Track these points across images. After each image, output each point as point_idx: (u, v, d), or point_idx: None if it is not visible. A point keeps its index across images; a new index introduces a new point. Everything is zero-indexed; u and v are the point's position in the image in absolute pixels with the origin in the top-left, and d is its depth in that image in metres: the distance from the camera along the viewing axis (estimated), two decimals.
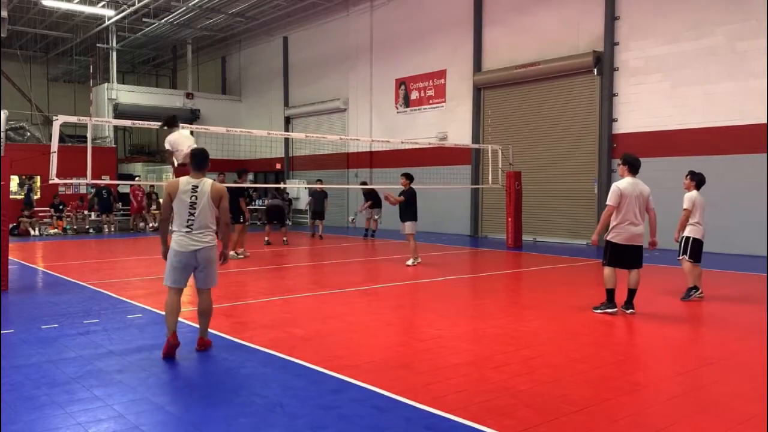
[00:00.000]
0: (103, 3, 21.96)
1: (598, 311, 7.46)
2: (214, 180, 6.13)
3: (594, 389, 4.64)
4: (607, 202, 7.35)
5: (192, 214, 5.41)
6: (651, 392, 4.58)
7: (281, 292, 8.92)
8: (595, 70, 15.69)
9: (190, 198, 5.43)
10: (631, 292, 7.45)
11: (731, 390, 4.70)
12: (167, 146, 9.16)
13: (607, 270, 7.45)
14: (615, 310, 7.39)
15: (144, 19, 24.17)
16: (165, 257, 5.55)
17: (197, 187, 5.47)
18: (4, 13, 17.63)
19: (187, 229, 5.40)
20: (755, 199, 12.48)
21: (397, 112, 21.39)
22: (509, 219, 15.85)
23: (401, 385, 4.64)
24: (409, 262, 11.74)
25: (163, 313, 5.64)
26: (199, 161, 5.65)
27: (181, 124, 9.97)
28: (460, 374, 5.01)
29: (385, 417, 4.06)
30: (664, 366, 5.54)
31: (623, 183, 7.37)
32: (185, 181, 5.50)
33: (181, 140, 9.14)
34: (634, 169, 7.44)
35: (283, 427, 3.87)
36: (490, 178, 17.15)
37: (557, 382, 4.78)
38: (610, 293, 7.42)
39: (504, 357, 5.52)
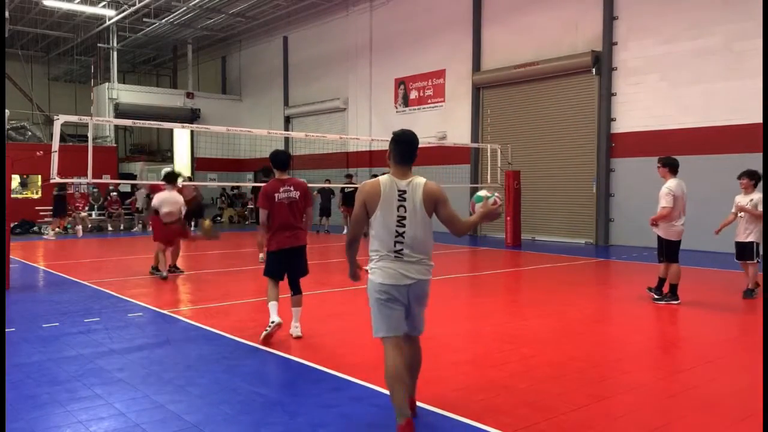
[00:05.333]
0: (103, 3, 21.96)
1: (662, 302, 7.93)
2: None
3: (593, 387, 4.66)
4: (664, 205, 7.80)
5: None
6: (649, 390, 4.60)
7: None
8: (594, 69, 15.69)
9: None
10: (661, 282, 8.13)
11: (729, 388, 4.73)
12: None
13: (674, 266, 7.94)
14: (678, 301, 7.89)
15: (144, 19, 24.17)
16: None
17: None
18: (6, 14, 17.67)
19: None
20: None
21: (397, 112, 21.40)
22: (508, 218, 15.87)
23: None
24: None
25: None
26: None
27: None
28: (459, 373, 5.04)
29: (386, 415, 4.08)
30: (663, 364, 5.57)
31: (672, 184, 7.85)
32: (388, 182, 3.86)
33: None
34: (675, 169, 7.98)
35: (283, 426, 3.90)
36: (489, 177, 17.16)
37: (556, 380, 4.81)
38: (674, 287, 7.96)
39: (503, 355, 5.54)
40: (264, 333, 5.96)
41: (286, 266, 6.16)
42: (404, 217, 3.67)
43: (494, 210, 3.89)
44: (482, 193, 4.01)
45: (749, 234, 8.24)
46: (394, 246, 3.69)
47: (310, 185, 6.66)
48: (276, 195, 6.04)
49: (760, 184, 8.32)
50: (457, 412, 4.08)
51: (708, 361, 5.52)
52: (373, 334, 3.83)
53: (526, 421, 3.95)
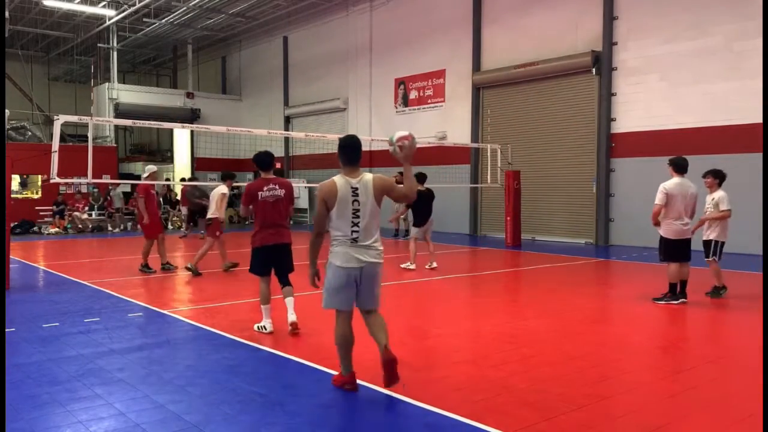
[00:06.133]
0: (103, 3, 21.95)
1: (661, 302, 7.94)
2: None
3: (593, 387, 4.66)
4: (655, 201, 7.86)
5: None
6: (649, 390, 4.60)
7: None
8: (594, 69, 15.68)
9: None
10: (683, 284, 7.98)
11: (729, 388, 4.73)
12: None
13: (672, 265, 7.93)
14: (678, 302, 7.87)
15: (144, 19, 24.15)
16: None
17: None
18: (6, 14, 17.66)
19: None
20: (752, 198, 12.49)
21: (397, 112, 21.40)
22: (508, 218, 15.87)
23: (401, 383, 4.66)
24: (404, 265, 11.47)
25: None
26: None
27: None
28: (459, 372, 5.04)
29: (385, 415, 4.09)
30: (663, 364, 5.57)
31: (669, 183, 7.90)
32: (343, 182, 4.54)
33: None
34: (680, 169, 7.96)
35: (283, 426, 3.90)
36: (489, 177, 17.16)
37: (556, 380, 4.81)
38: (673, 287, 7.96)
39: (503, 355, 5.54)
40: (255, 327, 6.42)
41: (272, 263, 6.40)
42: (358, 210, 4.41)
43: (409, 150, 4.47)
44: (391, 149, 4.55)
45: (710, 233, 8.27)
46: (351, 234, 4.43)
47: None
48: (259, 193, 6.31)
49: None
50: (457, 412, 4.08)
51: (708, 361, 5.52)
52: (322, 306, 4.62)
53: (526, 421, 3.95)
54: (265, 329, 6.31)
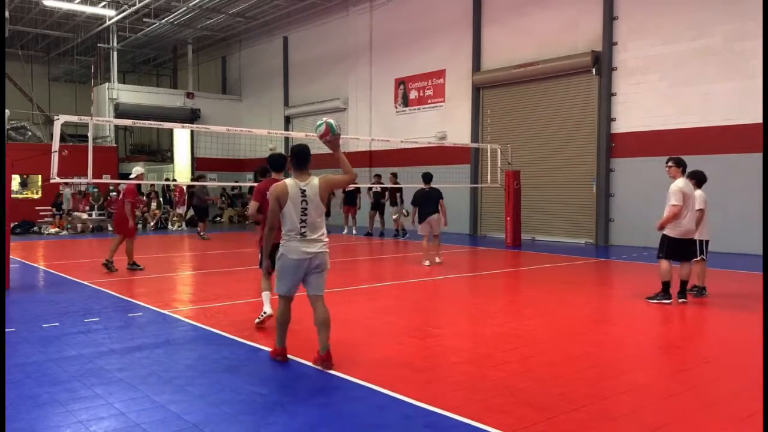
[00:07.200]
0: (104, 3, 21.97)
1: (653, 301, 7.92)
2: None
3: (593, 387, 4.66)
4: (674, 202, 7.77)
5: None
6: (649, 390, 4.60)
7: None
8: (594, 69, 15.69)
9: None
10: (683, 283, 8.00)
11: (729, 388, 4.73)
12: None
13: (664, 263, 7.94)
14: (670, 301, 7.86)
15: (144, 19, 24.18)
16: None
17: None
18: (6, 14, 17.65)
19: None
20: (752, 198, 12.51)
21: (397, 112, 21.40)
22: (508, 218, 15.87)
23: (401, 384, 4.66)
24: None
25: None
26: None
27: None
28: (459, 372, 5.04)
29: (385, 415, 4.09)
30: (663, 364, 5.57)
31: (681, 183, 7.90)
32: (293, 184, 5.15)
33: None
34: (685, 170, 8.04)
35: (283, 426, 3.90)
36: (489, 177, 17.16)
37: (556, 380, 4.81)
38: (666, 285, 7.90)
39: (503, 355, 5.54)
40: (257, 320, 6.57)
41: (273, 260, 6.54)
42: (306, 209, 5.06)
43: (334, 142, 5.13)
44: (323, 142, 5.15)
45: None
46: (300, 229, 5.06)
47: None
48: (268, 193, 6.42)
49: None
50: (457, 412, 4.08)
51: (708, 361, 5.53)
52: (275, 289, 5.34)
53: (526, 421, 3.95)
54: (266, 314, 6.52)
